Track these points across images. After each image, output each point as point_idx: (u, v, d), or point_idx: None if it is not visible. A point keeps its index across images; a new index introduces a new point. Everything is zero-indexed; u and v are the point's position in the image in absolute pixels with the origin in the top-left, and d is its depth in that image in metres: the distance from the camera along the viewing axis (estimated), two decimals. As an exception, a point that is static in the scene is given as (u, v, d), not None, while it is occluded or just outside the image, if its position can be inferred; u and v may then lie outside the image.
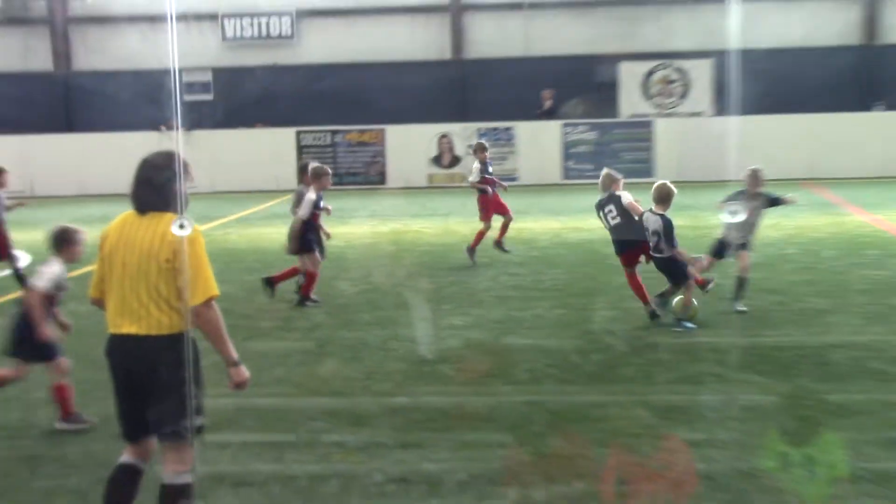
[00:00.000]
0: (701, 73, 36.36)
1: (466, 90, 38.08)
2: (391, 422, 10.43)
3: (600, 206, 14.99)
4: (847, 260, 19.03)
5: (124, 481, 7.30)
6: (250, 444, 9.85)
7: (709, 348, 13.12)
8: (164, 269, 6.89)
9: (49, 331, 10.02)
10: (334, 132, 36.26)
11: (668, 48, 36.41)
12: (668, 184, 14.26)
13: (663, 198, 14.13)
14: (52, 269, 10.12)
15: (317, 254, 16.25)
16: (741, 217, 14.43)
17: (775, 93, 34.37)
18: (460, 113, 37.41)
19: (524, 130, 35.61)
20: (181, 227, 6.88)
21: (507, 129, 35.75)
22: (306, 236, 16.16)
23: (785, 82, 34.95)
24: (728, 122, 33.74)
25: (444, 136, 35.99)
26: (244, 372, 7.25)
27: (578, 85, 36.75)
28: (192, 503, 7.17)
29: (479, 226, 20.13)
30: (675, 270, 14.15)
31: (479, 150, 20.98)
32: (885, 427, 9.95)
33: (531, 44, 37.98)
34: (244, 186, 35.42)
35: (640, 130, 35.56)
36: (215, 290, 7.00)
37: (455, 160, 35.92)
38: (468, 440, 9.88)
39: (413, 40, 38.47)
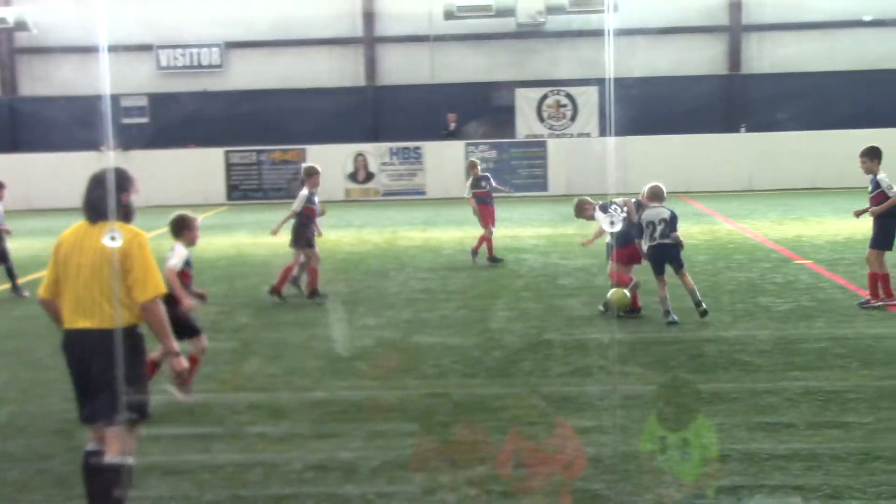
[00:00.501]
0: (588, 99, 36.65)
1: (379, 113, 38.00)
2: (310, 414, 10.29)
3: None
4: (718, 264, 19.16)
5: (95, 467, 7.22)
6: (180, 437, 9.66)
7: (597, 343, 13.15)
8: (115, 270, 6.95)
9: (190, 301, 10.37)
10: (259, 151, 35.96)
11: (559, 76, 36.63)
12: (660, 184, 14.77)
13: (659, 194, 14.61)
14: (180, 251, 10.62)
15: (317, 249, 16.34)
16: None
17: (654, 116, 34.71)
18: (373, 134, 37.35)
19: (431, 150, 35.58)
20: (112, 238, 6.91)
21: (416, 148, 35.70)
22: (306, 231, 16.23)
23: (662, 107, 35.28)
24: (611, 143, 34.02)
25: (359, 154, 35.86)
26: (182, 362, 7.53)
27: (479, 109, 36.84)
28: (125, 486, 7.12)
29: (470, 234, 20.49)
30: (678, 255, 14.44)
31: (470, 167, 20.79)
32: (752, 412, 9.99)
33: (436, 72, 38.00)
34: (177, 201, 34.80)
35: (535, 149, 35.71)
36: (163, 288, 7.20)
37: (369, 176, 35.80)
38: (380, 430, 9.76)
39: (330, 69, 38.34)
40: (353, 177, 35.81)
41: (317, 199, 16.50)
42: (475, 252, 20.00)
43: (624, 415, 9.91)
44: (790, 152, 34.20)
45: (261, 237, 25.28)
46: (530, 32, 37.25)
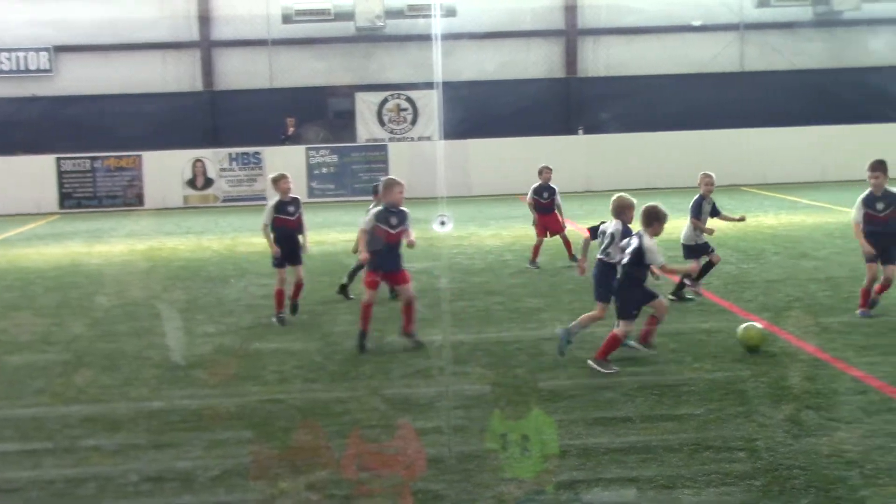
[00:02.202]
0: (427, 102, 36.85)
1: (217, 118, 37.53)
2: (147, 424, 10.11)
3: None
4: (557, 264, 19.44)
5: None
6: (8, 454, 9.39)
7: (439, 345, 13.21)
8: None
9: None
10: (93, 158, 35.08)
11: (399, 80, 36.73)
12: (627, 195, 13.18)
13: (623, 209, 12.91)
14: (649, 242, 11.72)
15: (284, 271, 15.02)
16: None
17: (494, 119, 35.17)
18: (212, 139, 36.84)
19: (271, 154, 35.25)
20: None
21: (256, 153, 35.33)
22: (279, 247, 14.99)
23: (502, 110, 35.71)
24: (452, 145, 34.30)
25: (197, 160, 35.29)
26: None
27: (319, 113, 36.72)
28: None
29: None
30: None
31: (542, 171, 19.62)
32: (590, 408, 10.20)
33: (275, 76, 37.71)
34: (5, 210, 33.93)
35: (376, 153, 35.68)
36: None
37: (208, 182, 35.28)
38: (220, 438, 9.64)
39: (165, 73, 37.69)
40: (191, 183, 35.26)
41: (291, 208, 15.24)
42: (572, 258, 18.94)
43: (464, 415, 9.99)
44: (626, 153, 34.97)
45: (95, 246, 24.75)
46: (369, 36, 37.28)
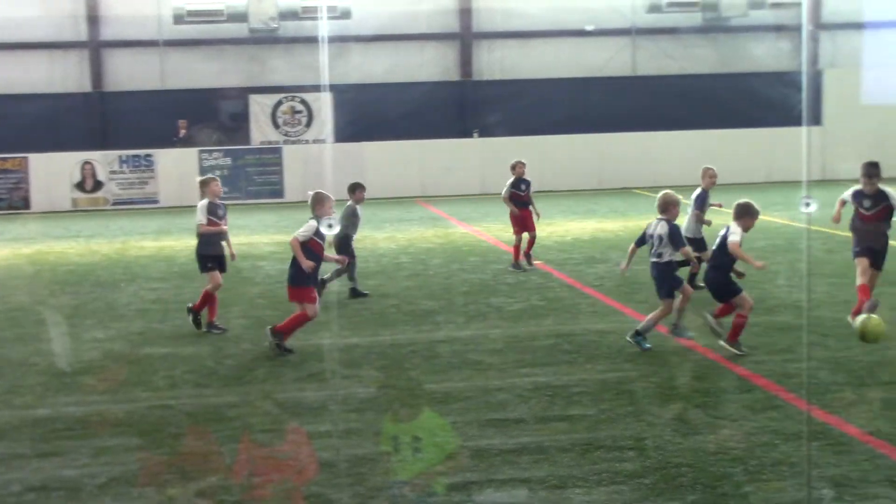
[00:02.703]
0: (323, 105, 36.67)
1: (107, 120, 36.88)
2: (31, 433, 9.91)
3: None
4: (452, 266, 19.54)
5: None
6: None
7: (333, 348, 13.18)
8: None
9: None
10: (-24, 161, 34.30)
11: (293, 82, 36.47)
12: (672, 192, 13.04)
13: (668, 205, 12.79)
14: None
15: (216, 273, 14.41)
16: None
17: (389, 122, 35.14)
18: (101, 142, 36.19)
19: (163, 157, 34.79)
20: None
21: (147, 155, 34.84)
22: (205, 252, 14.49)
23: (397, 112, 35.67)
24: (346, 148, 34.21)
25: (86, 162, 34.66)
26: None
27: (212, 115, 36.32)
28: None
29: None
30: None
31: (516, 166, 19.66)
32: (484, 409, 10.25)
33: (167, 77, 37.21)
34: None
35: (271, 156, 35.42)
36: None
37: (98, 185, 34.69)
38: (107, 445, 9.49)
39: (52, 73, 36.90)
40: (80, 186, 34.64)
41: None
42: (528, 258, 19.06)
43: (357, 418, 9.98)
44: (521, 156, 35.10)
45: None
46: (263, 38, 37.00)
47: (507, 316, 14.81)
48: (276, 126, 36.91)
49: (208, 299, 14.39)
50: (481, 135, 36.34)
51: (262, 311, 15.73)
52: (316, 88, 35.91)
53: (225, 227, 14.62)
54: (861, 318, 11.43)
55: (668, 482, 8.12)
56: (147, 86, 36.89)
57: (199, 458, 9.14)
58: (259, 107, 36.86)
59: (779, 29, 36.64)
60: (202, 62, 37.18)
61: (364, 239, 23.86)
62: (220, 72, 36.97)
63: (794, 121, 35.11)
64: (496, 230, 24.55)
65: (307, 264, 12.49)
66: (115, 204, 34.46)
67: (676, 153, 34.66)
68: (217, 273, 14.41)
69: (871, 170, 13.73)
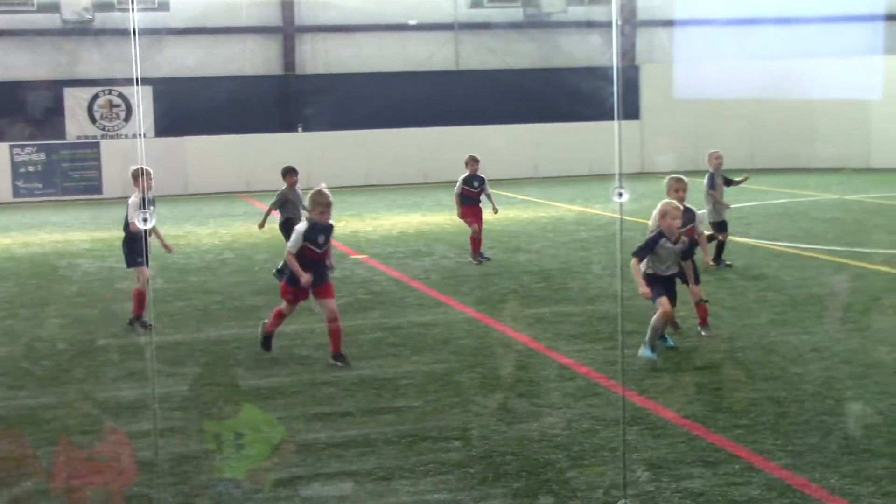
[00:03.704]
0: (142, 99, 35.93)
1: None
2: None
3: None
4: (278, 262, 19.09)
5: None
6: None
7: (156, 346, 12.96)
8: None
9: None
10: None
11: (110, 75, 35.61)
12: None
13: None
14: None
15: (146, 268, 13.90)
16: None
17: (211, 116, 34.58)
18: None
19: (-28, 153, 33.68)
20: None
21: (-48, 150, 33.70)
22: (134, 247, 13.77)
23: (219, 106, 35.12)
24: (167, 143, 33.63)
25: None
26: None
27: (24, 108, 35.16)
28: None
29: None
30: None
31: (468, 162, 19.03)
32: (311, 404, 10.23)
33: (-25, 69, 35.92)
34: None
35: (88, 151, 34.59)
36: None
37: None
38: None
39: None
40: None
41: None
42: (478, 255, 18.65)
43: (181, 416, 9.83)
44: (346, 151, 35.21)
45: None
46: (77, 30, 36.02)
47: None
48: (94, 120, 35.98)
49: (141, 297, 13.79)
50: (305, 129, 36.17)
51: (81, 308, 15.37)
52: (133, 82, 35.21)
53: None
54: None
55: (494, 470, 8.23)
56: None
57: (13, 462, 8.86)
58: (75, 100, 35.88)
59: (597, 25, 37.43)
60: (12, 53, 35.92)
61: (187, 235, 23.55)
62: (31, 64, 35.80)
63: (612, 115, 35.99)
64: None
65: (305, 279, 11.58)
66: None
67: (500, 147, 35.10)
68: (145, 268, 13.86)
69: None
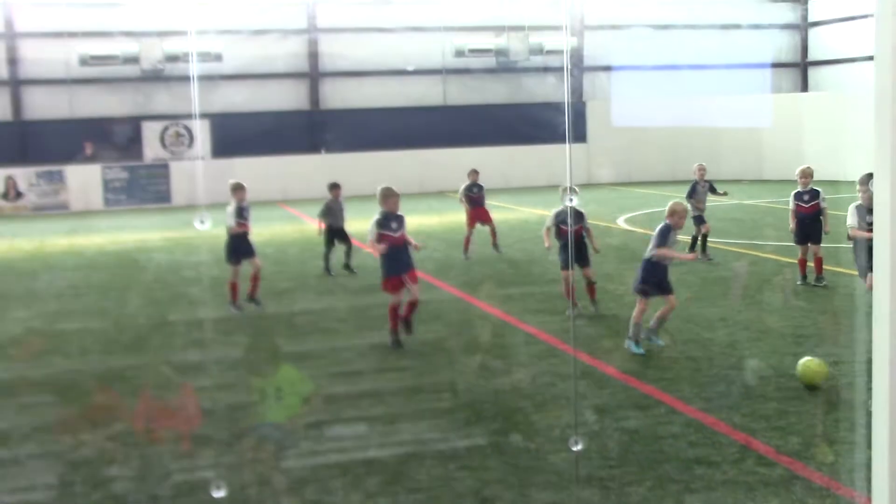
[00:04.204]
0: (202, 129, 35.76)
1: (26, 142, 35.21)
2: (-35, 395, 9.42)
3: None
4: (305, 255, 19.29)
5: None
6: None
7: (210, 320, 12.86)
8: None
9: None
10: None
11: (178, 111, 35.44)
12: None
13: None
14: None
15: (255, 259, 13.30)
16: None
17: (255, 141, 34.35)
18: (22, 159, 34.52)
19: (73, 172, 33.49)
20: None
21: (59, 171, 33.49)
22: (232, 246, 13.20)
23: (261, 135, 34.89)
24: (221, 163, 33.52)
25: (9, 177, 33.09)
26: None
27: (112, 138, 34.95)
28: None
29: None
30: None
31: (470, 173, 18.84)
32: (332, 365, 10.19)
33: (77, 107, 35.64)
34: None
35: (160, 170, 34.46)
36: None
37: (19, 195, 33.12)
38: (28, 402, 9.07)
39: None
40: (4, 196, 33.05)
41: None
42: (496, 246, 18.10)
43: (233, 375, 9.79)
44: (359, 168, 35.04)
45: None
46: (152, 77, 35.82)
47: (350, 291, 14.73)
48: (164, 146, 35.81)
49: (255, 280, 13.28)
50: (328, 151, 36.05)
51: (155, 292, 15.30)
52: (196, 116, 35.14)
53: (249, 227, 13.38)
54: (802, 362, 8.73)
55: (475, 415, 8.21)
56: (58, 115, 35.36)
57: (105, 410, 8.83)
58: (150, 131, 35.72)
59: (552, 70, 37.37)
60: (103, 96, 35.77)
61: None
62: (117, 103, 35.64)
63: (564, 139, 35.97)
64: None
65: (381, 248, 10.63)
66: (33, 210, 32.99)
67: (478, 163, 34.87)
68: (256, 259, 13.30)
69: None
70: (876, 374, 3.96)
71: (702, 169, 16.92)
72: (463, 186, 18.81)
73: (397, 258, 10.77)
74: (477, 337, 11.38)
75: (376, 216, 11.01)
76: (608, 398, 8.53)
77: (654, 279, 10.18)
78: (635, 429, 7.65)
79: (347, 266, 16.28)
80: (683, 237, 14.16)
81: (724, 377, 9.11)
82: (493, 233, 18.34)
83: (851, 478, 6.52)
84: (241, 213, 13.25)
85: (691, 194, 16.67)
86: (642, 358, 9.91)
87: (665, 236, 10.14)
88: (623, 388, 8.88)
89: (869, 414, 3.93)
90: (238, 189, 13.38)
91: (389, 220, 10.96)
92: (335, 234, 16.55)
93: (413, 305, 10.77)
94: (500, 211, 27.24)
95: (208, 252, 17.78)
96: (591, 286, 12.29)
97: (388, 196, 11.16)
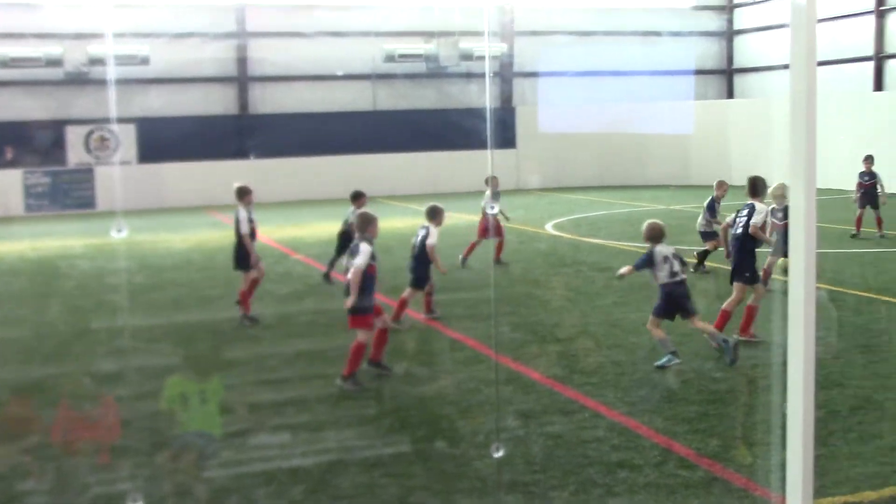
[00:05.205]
0: (128, 134, 35.14)
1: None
2: None
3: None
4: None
5: None
6: None
7: (134, 328, 12.61)
8: None
9: None
10: None
11: (103, 115, 34.75)
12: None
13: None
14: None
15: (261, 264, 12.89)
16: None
17: (184, 146, 33.85)
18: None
19: (-8, 176, 32.72)
20: None
21: (-21, 175, 32.69)
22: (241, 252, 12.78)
23: (189, 139, 34.42)
24: (148, 168, 33.04)
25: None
26: None
27: (34, 142, 34.17)
28: None
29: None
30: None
31: (491, 181, 17.41)
32: (258, 372, 10.06)
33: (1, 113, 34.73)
34: None
35: (84, 175, 33.78)
36: None
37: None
38: None
39: None
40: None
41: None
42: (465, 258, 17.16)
43: (155, 384, 9.58)
44: (288, 173, 34.82)
45: None
46: (76, 80, 35.06)
47: (277, 299, 14.55)
48: (89, 151, 35.09)
49: (253, 285, 12.81)
50: (256, 157, 35.67)
51: (77, 300, 14.95)
52: (122, 120, 34.52)
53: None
54: None
55: (401, 422, 8.17)
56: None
57: (20, 422, 8.56)
58: (74, 135, 34.98)
59: (480, 76, 37.52)
60: (22, 99, 34.91)
61: (164, 240, 23.06)
62: (40, 107, 34.81)
63: (495, 144, 36.14)
64: (268, 231, 24.13)
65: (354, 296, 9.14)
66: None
67: (409, 169, 35.19)
68: (261, 264, 12.94)
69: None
70: (790, 376, 4.03)
71: (723, 187, 16.00)
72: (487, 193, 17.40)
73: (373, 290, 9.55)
74: (403, 343, 11.31)
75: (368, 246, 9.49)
76: (533, 403, 8.55)
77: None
78: (559, 433, 7.68)
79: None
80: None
81: (647, 381, 9.19)
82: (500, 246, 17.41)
83: (768, 478, 6.63)
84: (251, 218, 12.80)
85: (711, 212, 15.74)
86: (567, 363, 9.96)
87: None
88: (548, 392, 8.91)
89: (784, 416, 3.98)
90: (247, 193, 12.88)
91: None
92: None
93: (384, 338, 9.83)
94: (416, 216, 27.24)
95: (130, 259, 17.45)
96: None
97: (372, 221, 9.70)
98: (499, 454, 7.13)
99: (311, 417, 8.38)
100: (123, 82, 34.97)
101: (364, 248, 9.21)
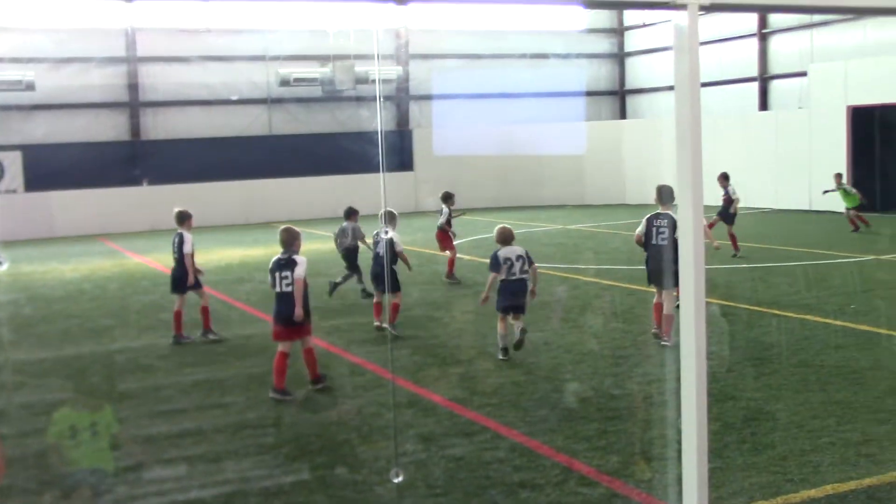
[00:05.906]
0: (14, 161, 34.02)
1: None
2: None
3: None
4: (127, 290, 18.61)
5: None
6: None
7: (22, 362, 12.18)
8: None
9: None
10: None
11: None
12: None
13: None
14: None
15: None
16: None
17: (76, 174, 32.93)
18: None
19: None
20: None
21: None
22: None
23: (80, 166, 33.50)
24: (36, 196, 32.06)
25: None
26: None
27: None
28: None
29: None
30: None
31: (446, 199, 18.24)
32: (153, 403, 9.79)
33: None
34: None
35: (-34, 204, 32.59)
36: None
37: None
38: None
39: None
40: None
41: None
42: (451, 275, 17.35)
43: (44, 419, 9.24)
44: (182, 200, 33.92)
45: None
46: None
47: (172, 327, 14.22)
48: (-27, 178, 33.83)
49: (206, 312, 13.24)
50: (150, 183, 34.95)
51: (-40, 335, 14.37)
52: (7, 148, 33.47)
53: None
54: None
55: (301, 450, 8.06)
56: None
57: None
58: (-44, 163, 33.71)
59: (380, 98, 37.59)
60: None
61: (52, 270, 22.35)
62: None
63: (392, 167, 36.20)
64: (164, 259, 23.62)
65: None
66: None
67: (304, 194, 34.95)
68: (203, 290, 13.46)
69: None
70: (683, 390, 4.10)
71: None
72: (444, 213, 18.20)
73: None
74: (302, 368, 11.17)
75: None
76: (434, 426, 8.53)
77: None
78: (461, 456, 7.67)
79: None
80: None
81: (547, 400, 9.27)
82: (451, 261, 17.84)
83: (666, 492, 6.73)
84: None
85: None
86: (468, 385, 9.98)
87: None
88: (448, 415, 8.90)
89: (679, 431, 4.05)
90: (188, 217, 13.44)
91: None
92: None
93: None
94: (325, 241, 27.08)
95: (18, 291, 16.87)
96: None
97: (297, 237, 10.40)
98: (398, 479, 7.08)
99: (210, 448, 8.19)
100: (8, 108, 33.92)
101: (302, 260, 10.07)
